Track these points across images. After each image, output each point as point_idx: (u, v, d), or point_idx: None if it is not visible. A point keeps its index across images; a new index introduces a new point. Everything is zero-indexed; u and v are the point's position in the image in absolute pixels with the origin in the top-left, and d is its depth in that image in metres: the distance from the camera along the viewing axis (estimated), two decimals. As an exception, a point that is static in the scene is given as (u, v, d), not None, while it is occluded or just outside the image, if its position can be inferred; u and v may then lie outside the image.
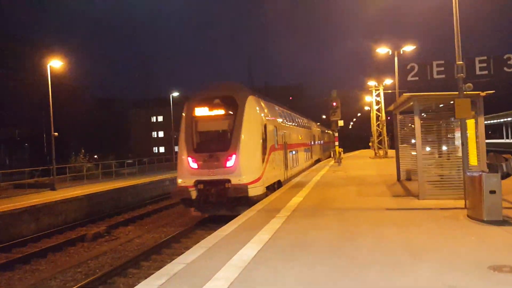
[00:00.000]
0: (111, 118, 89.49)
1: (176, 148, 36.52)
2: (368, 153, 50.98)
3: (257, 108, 15.28)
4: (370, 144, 75.19)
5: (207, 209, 14.57)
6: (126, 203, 22.32)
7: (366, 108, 67.64)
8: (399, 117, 17.84)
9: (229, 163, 14.03)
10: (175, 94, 40.03)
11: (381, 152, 39.13)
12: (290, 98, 47.56)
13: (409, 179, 17.31)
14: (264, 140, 15.24)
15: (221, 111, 14.84)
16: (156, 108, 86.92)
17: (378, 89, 38.02)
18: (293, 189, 16.58)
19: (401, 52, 25.09)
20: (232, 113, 14.66)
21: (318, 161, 35.29)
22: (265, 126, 15.45)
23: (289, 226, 9.33)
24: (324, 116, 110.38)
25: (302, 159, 25.10)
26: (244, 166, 14.08)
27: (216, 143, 14.48)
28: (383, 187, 15.78)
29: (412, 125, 18.01)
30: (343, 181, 18.87)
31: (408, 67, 10.33)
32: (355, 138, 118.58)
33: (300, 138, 25.16)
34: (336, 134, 30.00)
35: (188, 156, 14.42)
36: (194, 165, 14.30)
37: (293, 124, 22.99)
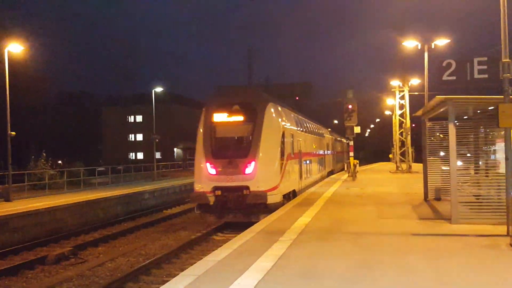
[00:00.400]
0: (79, 117, 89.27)
1: (158, 155, 36.84)
2: (388, 167, 51.12)
3: (276, 115, 17.74)
4: (390, 156, 76.05)
5: (224, 215, 17.00)
6: (96, 219, 22.23)
7: (387, 112, 67.83)
8: (428, 124, 17.87)
9: (248, 170, 16.53)
10: (158, 89, 40.00)
11: (403, 165, 39.18)
12: (296, 98, 47.64)
13: (438, 198, 17.32)
14: (282, 148, 17.64)
15: (240, 118, 17.30)
16: (134, 106, 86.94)
17: (403, 90, 38.14)
18: (299, 207, 16.55)
19: (432, 47, 25.15)
20: (251, 119, 17.06)
21: (331, 173, 37.14)
22: (283, 134, 17.80)
23: (295, 252, 9.26)
24: (336, 121, 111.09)
25: (315, 169, 27.44)
26: (263, 173, 16.51)
27: (235, 149, 16.99)
28: (408, 208, 15.77)
29: (441, 135, 18.14)
30: (359, 199, 18.88)
31: (444, 64, 10.34)
32: (373, 148, 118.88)
33: (314, 147, 27.65)
34: (351, 143, 30.06)
35: (207, 162, 16.90)
36: (213, 171, 16.82)
37: (307, 132, 25.25)
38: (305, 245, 9.97)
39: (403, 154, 40.90)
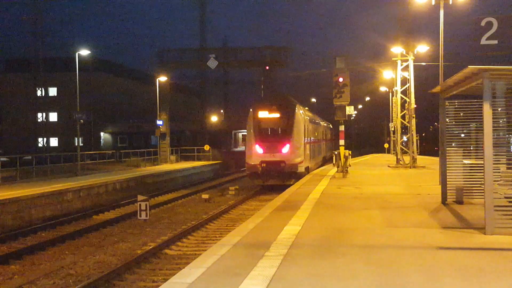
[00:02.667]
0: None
1: (77, 141, 36.48)
2: (384, 159, 51.75)
3: (301, 112, 35.14)
4: (386, 145, 77.15)
5: (268, 180, 33.42)
6: (2, 228, 21.64)
7: (382, 89, 68.59)
8: (447, 104, 18.03)
9: (284, 150, 32.95)
10: (84, 52, 39.08)
11: (406, 158, 39.62)
12: (266, 67, 47.47)
13: (460, 201, 17.53)
14: (304, 136, 34.43)
15: (277, 115, 34.11)
16: (46, 74, 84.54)
17: (406, 60, 38.37)
18: (282, 212, 16.49)
19: (450, 2, 25.34)
20: (285, 116, 33.91)
21: (324, 159, 50.86)
22: (304, 126, 34.62)
23: (291, 272, 9.10)
24: (313, 100, 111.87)
25: (318, 153, 44.78)
26: (295, 151, 33.03)
27: (275, 135, 33.58)
28: (423, 213, 15.89)
29: (461, 114, 18.32)
30: (357, 202, 18.97)
31: (483, 23, 10.28)
32: (362, 135, 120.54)
33: (316, 134, 44.19)
34: (342, 128, 30.13)
35: (256, 144, 33.16)
36: (260, 151, 33.10)
37: (315, 123, 43.74)
38: (301, 262, 9.82)
39: (405, 143, 41.40)
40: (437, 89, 18.61)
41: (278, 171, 32.95)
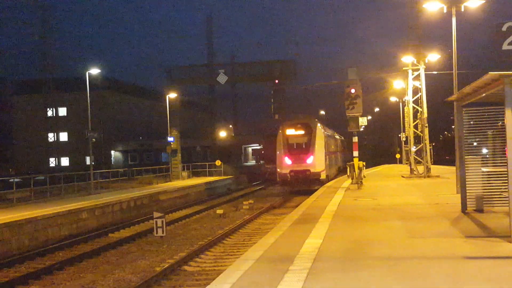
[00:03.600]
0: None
1: (88, 160, 36.44)
2: (397, 170, 51.53)
3: (322, 129, 42.34)
4: (398, 156, 76.83)
5: (296, 185, 40.09)
6: (20, 248, 21.61)
7: (393, 99, 68.47)
8: (464, 112, 17.86)
9: (309, 160, 39.97)
10: (94, 71, 39.17)
11: (420, 168, 39.38)
12: (276, 81, 47.37)
13: (480, 210, 17.35)
14: (324, 148, 41.25)
15: (302, 132, 41.04)
16: (56, 95, 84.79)
17: (418, 69, 38.24)
18: (301, 225, 16.39)
19: (462, 10, 25.22)
20: (308, 132, 40.82)
21: (339, 168, 55.82)
22: (324, 141, 41.26)
23: (318, 287, 8.97)
24: (322, 112, 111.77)
25: (334, 162, 51.30)
26: (317, 161, 40.08)
27: (300, 149, 40.55)
28: (444, 223, 15.75)
29: (472, 122, 18.15)
30: (375, 213, 18.83)
31: (505, 28, 10.18)
32: (372, 146, 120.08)
33: (333, 147, 51.26)
34: (355, 139, 30.02)
35: (285, 156, 40.27)
36: (289, 162, 40.14)
37: (332, 138, 51.10)
38: (328, 276, 9.70)
39: (418, 153, 41.14)
40: (453, 97, 18.50)
41: (304, 178, 40.22)
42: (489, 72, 12.73)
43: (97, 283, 15.99)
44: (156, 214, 21.89)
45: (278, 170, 41.43)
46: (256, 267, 10.72)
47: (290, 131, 41.48)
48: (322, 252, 11.85)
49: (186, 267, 17.36)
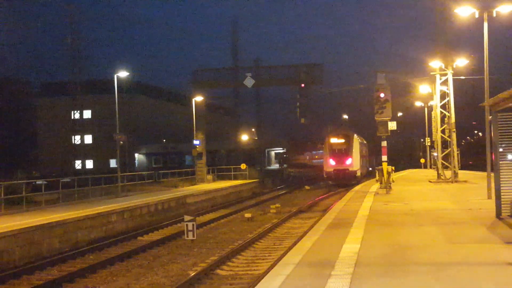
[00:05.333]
0: (4, 110, 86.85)
1: (113, 163, 36.27)
2: (423, 175, 51.18)
3: (358, 138, 59.47)
4: (422, 160, 76.31)
5: (338, 181, 54.44)
6: (51, 251, 21.68)
7: (418, 104, 67.99)
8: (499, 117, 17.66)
9: (348, 162, 55.25)
10: (123, 74, 39.37)
11: (447, 173, 39.05)
12: (302, 85, 47.24)
13: (516, 215, 17.13)
14: (359, 152, 57.19)
15: (342, 140, 56.45)
16: (80, 97, 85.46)
17: (445, 74, 37.97)
18: (335, 229, 16.34)
19: (494, 15, 25.00)
20: (347, 141, 56.31)
21: (367, 169, 68.19)
22: (359, 147, 57.68)
23: (364, 292, 8.90)
24: (345, 116, 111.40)
25: (365, 164, 64.43)
26: (354, 163, 55.42)
27: (341, 153, 55.81)
28: (481, 229, 15.60)
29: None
30: (409, 217, 18.72)
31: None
32: (395, 151, 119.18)
33: (364, 152, 62.85)
34: (384, 144, 29.83)
35: (330, 159, 55.87)
36: (333, 163, 55.52)
37: (363, 145, 63.19)
38: (372, 281, 9.63)
39: (444, 158, 40.79)
40: (489, 102, 18.31)
41: (344, 175, 54.43)
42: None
43: (131, 286, 15.98)
44: (187, 218, 21.90)
45: (325, 169, 56.32)
46: (297, 271, 10.67)
47: (333, 140, 56.48)
48: (361, 257, 11.76)
49: (219, 271, 17.29)
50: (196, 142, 51.42)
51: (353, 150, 55.20)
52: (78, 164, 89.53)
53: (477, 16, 25.12)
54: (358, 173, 55.40)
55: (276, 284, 9.63)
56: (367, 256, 11.91)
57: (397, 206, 22.48)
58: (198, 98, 51.57)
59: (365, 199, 26.47)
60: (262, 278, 10.95)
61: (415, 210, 20.94)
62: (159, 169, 63.07)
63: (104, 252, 22.09)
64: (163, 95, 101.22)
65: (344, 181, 52.37)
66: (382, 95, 28.77)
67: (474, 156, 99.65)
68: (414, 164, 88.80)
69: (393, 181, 31.10)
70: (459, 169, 43.42)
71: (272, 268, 11.49)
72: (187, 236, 21.67)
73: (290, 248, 17.26)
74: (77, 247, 23.04)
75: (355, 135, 57.43)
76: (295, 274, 10.42)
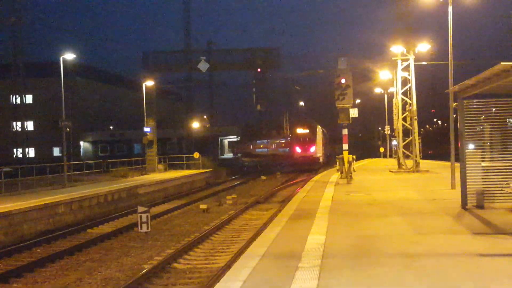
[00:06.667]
0: None
1: (56, 151, 35.51)
2: (383, 164, 51.97)
3: (320, 129, 72.25)
4: (382, 149, 77.24)
5: (303, 167, 65.04)
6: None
7: (377, 90, 68.83)
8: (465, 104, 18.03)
9: (312, 149, 67.68)
10: (69, 56, 38.70)
11: (409, 162, 39.65)
12: (258, 70, 47.49)
13: (480, 206, 17.59)
14: (321, 140, 70.91)
15: (307, 130, 69.41)
16: (22, 81, 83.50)
17: (407, 59, 38.45)
18: (298, 220, 16.50)
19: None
20: (311, 131, 69.37)
21: (326, 155, 76.05)
22: (321, 136, 70.99)
23: (334, 284, 9.04)
24: (302, 103, 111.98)
25: (325, 150, 74.65)
26: (317, 150, 67.80)
27: (305, 141, 68.49)
28: (447, 219, 15.96)
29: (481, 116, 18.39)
30: (373, 208, 18.99)
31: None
32: (353, 139, 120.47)
33: (323, 140, 73.15)
34: (345, 132, 30.14)
35: (296, 146, 68.91)
36: (299, 150, 68.25)
37: (324, 134, 75.41)
38: (342, 273, 9.75)
39: (405, 147, 41.42)
40: (454, 88, 18.65)
41: (310, 160, 65.71)
42: (501, 63, 12.89)
43: (84, 281, 15.79)
44: (140, 209, 21.71)
45: (292, 155, 68.86)
46: (263, 264, 10.74)
47: (299, 130, 68.60)
48: (328, 249, 11.90)
49: (176, 265, 17.23)
50: (146, 129, 50.99)
51: (317, 139, 66.46)
52: (19, 152, 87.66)
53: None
54: (321, 159, 67.68)
55: (243, 276, 9.69)
56: (333, 248, 12.04)
57: (360, 197, 22.78)
58: (149, 83, 51.21)
59: (326, 189, 26.73)
60: (227, 270, 10.97)
61: (379, 200, 21.26)
62: (107, 158, 62.41)
63: (52, 246, 21.74)
64: (112, 80, 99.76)
65: (309, 166, 63.04)
66: (343, 80, 29.02)
67: (434, 145, 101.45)
68: (373, 153, 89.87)
69: (354, 171, 31.48)
70: (420, 159, 44.19)
71: (236, 260, 11.51)
72: (141, 228, 21.51)
73: (253, 239, 17.36)
74: (24, 240, 22.67)
75: (318, 125, 70.10)
76: (261, 266, 10.48)
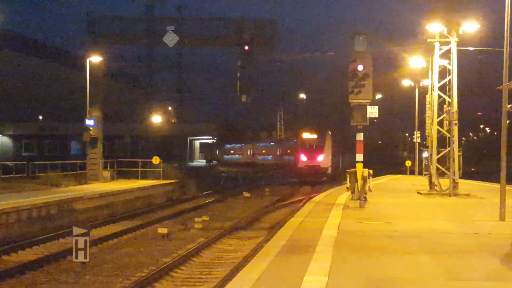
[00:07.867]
0: None
1: None
2: (408, 183, 52.18)
3: (330, 135, 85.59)
4: (408, 163, 77.40)
5: (308, 178, 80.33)
6: None
7: (406, 83, 69.07)
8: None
9: (319, 158, 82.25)
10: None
11: (444, 182, 39.70)
12: (246, 47, 47.45)
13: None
14: (331, 147, 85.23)
15: (315, 136, 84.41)
16: None
17: (448, 42, 38.57)
18: (290, 255, 16.60)
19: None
20: (320, 137, 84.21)
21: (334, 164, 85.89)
22: (331, 143, 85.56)
23: None
24: (303, 96, 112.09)
25: (335, 162, 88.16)
26: (325, 159, 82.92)
27: (314, 149, 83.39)
28: (492, 260, 15.99)
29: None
30: (393, 242, 19.06)
31: None
32: (371, 148, 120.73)
33: (334, 149, 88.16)
34: (360, 137, 30.05)
35: (301, 154, 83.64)
36: (304, 158, 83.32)
37: (333, 139, 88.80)
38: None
39: (442, 160, 41.56)
40: (510, 84, 18.83)
41: (316, 171, 75.90)
42: None
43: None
44: (76, 230, 21.78)
45: (299, 164, 78.46)
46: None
47: (306, 135, 79.79)
48: (331, 296, 11.97)
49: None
50: (89, 122, 50.90)
51: (325, 144, 78.66)
52: None
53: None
54: (329, 171, 77.74)
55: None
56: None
57: (376, 226, 22.90)
58: (95, 58, 50.89)
59: (330, 213, 26.81)
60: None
61: (401, 232, 21.34)
62: (33, 159, 62.31)
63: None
64: (44, 53, 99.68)
65: (315, 178, 73.43)
66: (360, 67, 28.73)
67: (479, 160, 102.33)
68: (397, 167, 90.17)
69: (370, 191, 31.47)
70: (459, 178, 44.39)
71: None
72: (76, 257, 21.60)
73: (228, 279, 17.39)
74: None
75: (328, 131, 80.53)
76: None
